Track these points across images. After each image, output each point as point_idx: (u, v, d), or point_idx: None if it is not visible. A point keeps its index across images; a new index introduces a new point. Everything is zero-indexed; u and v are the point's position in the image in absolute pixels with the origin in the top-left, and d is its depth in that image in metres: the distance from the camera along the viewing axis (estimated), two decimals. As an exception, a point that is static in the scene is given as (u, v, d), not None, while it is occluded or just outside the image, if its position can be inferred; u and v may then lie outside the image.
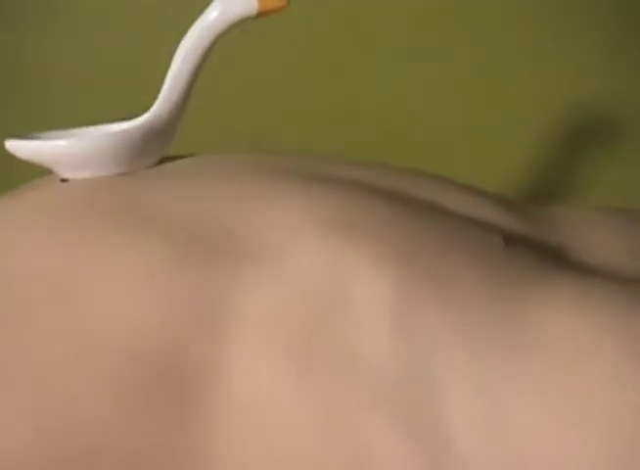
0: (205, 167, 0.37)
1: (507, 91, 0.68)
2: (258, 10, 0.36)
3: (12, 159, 0.37)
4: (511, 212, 0.38)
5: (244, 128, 0.67)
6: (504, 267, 0.32)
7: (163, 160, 0.38)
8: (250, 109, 0.67)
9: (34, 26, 0.65)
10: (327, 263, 0.31)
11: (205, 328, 0.30)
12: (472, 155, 0.68)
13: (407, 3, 0.67)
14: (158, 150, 0.37)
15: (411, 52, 0.67)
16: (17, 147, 0.35)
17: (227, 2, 0.36)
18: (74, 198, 0.34)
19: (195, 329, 0.30)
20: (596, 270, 0.36)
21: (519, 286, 0.31)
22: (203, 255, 0.31)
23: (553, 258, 0.35)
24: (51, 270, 0.31)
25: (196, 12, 0.38)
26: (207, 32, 0.36)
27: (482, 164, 0.67)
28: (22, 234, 0.32)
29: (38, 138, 0.36)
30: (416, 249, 0.32)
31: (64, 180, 0.36)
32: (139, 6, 0.65)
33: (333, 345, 0.30)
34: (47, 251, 0.32)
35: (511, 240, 0.34)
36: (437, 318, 0.30)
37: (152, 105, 0.38)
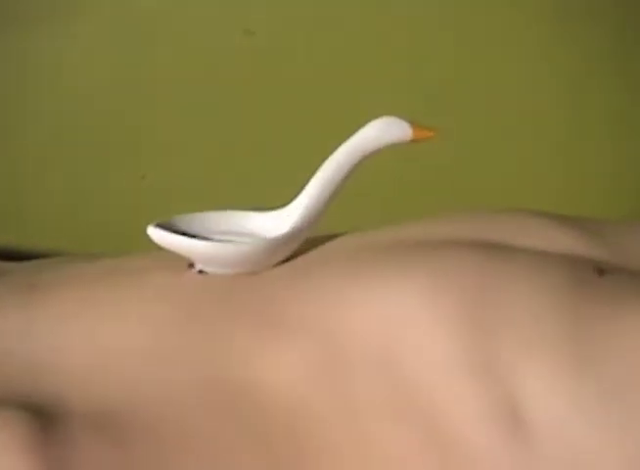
0: (330, 260, 0.38)
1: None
2: (412, 138, 0.38)
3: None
4: (595, 238, 0.39)
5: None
6: (595, 301, 0.33)
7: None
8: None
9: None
10: (386, 315, 0.33)
11: None
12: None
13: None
14: (292, 249, 0.38)
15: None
16: (159, 236, 0.36)
17: (385, 126, 0.38)
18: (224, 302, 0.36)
19: None
20: None
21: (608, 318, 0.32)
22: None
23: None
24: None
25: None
26: (360, 151, 0.38)
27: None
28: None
29: (176, 225, 0.37)
30: (482, 289, 0.33)
31: (201, 272, 0.37)
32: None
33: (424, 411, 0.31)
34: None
35: (604, 271, 0.35)
36: (517, 356, 0.31)
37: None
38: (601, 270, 0.35)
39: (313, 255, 0.39)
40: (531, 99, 0.68)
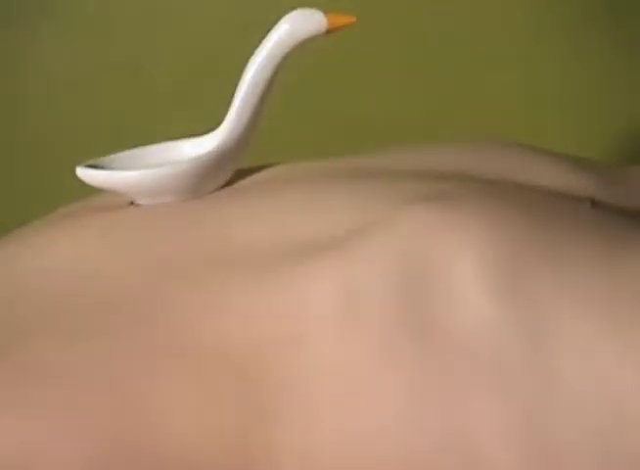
0: (278, 181, 0.37)
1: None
2: (328, 27, 0.36)
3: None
4: (592, 176, 0.38)
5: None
6: (595, 228, 0.32)
7: (234, 175, 0.38)
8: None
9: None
10: (425, 233, 0.30)
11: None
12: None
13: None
14: (229, 170, 0.37)
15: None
16: (88, 175, 0.36)
17: (296, 20, 0.36)
18: (157, 231, 0.34)
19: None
20: None
21: (610, 244, 0.31)
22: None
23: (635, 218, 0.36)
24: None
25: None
26: (276, 52, 0.36)
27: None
28: (91, 263, 0.33)
29: (108, 163, 0.36)
30: (513, 216, 0.31)
31: (137, 205, 0.36)
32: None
33: (425, 320, 0.28)
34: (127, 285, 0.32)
35: (596, 202, 0.35)
36: (547, 281, 0.29)
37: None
38: (594, 201, 0.35)
39: (266, 177, 0.37)
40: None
